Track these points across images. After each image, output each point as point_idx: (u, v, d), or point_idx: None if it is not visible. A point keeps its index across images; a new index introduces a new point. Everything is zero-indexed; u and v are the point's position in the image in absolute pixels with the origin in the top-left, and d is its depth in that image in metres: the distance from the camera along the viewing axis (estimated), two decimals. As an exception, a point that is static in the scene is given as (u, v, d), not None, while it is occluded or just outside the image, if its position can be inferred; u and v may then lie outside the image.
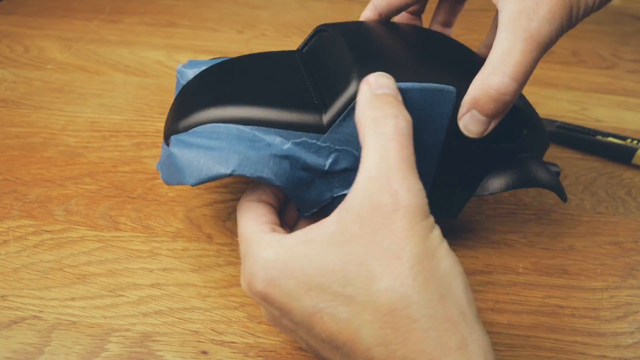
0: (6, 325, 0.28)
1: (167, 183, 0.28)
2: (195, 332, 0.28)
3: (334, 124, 0.27)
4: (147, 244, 0.33)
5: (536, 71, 0.60)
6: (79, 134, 0.43)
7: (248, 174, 0.26)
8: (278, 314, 0.23)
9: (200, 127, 0.27)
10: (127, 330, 0.28)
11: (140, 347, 0.28)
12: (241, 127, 0.27)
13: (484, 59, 0.27)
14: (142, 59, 0.55)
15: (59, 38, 0.59)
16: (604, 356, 0.29)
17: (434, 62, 0.29)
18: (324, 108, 0.27)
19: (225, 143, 0.26)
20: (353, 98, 0.26)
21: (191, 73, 0.33)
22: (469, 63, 0.30)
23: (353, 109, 0.26)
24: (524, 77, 0.26)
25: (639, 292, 0.32)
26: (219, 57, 0.36)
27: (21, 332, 0.28)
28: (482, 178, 0.31)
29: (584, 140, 0.44)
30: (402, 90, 0.26)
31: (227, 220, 0.36)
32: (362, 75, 0.26)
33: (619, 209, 0.39)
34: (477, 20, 0.69)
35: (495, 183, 0.31)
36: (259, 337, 0.28)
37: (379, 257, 0.21)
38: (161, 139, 0.43)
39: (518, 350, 0.29)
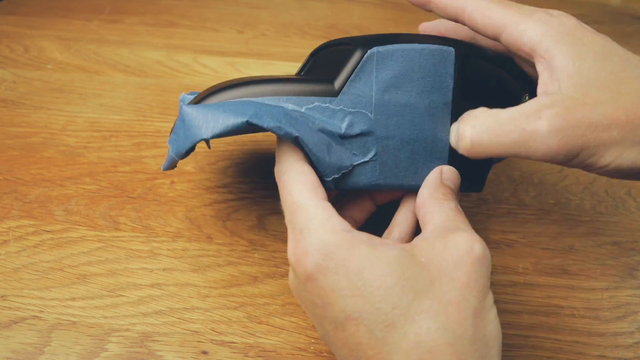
0: (6, 325, 0.28)
1: (179, 152, 0.27)
2: (195, 332, 0.28)
3: (345, 85, 0.27)
4: (147, 244, 0.33)
5: (536, 71, 0.60)
6: (79, 134, 0.43)
7: (265, 124, 0.25)
8: (313, 299, 0.22)
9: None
10: (127, 330, 0.28)
11: (140, 347, 0.28)
12: (255, 98, 0.27)
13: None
14: (142, 59, 0.55)
15: (59, 38, 0.59)
16: (604, 356, 0.29)
17: (430, 37, 0.30)
18: (334, 76, 0.28)
19: (238, 102, 0.26)
20: (359, 59, 0.27)
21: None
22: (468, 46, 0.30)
23: (361, 70, 0.27)
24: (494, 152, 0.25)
25: (639, 292, 0.32)
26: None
27: (21, 332, 0.28)
28: None
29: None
30: (404, 50, 0.27)
31: (227, 220, 0.36)
32: (363, 45, 0.27)
33: (619, 209, 0.39)
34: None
35: None
36: (259, 337, 0.28)
37: (438, 296, 0.21)
38: (162, 139, 0.43)
39: (518, 350, 0.29)
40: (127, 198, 0.37)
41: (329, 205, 0.23)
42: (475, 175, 0.31)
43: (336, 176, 0.28)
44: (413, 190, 0.29)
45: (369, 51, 0.27)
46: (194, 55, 0.56)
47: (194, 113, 0.25)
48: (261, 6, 0.71)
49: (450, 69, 0.28)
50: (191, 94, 0.33)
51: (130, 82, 0.51)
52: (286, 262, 0.33)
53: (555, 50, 0.24)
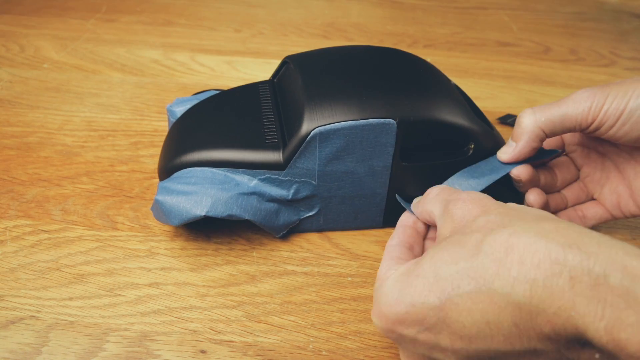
0: (4, 326, 0.28)
1: (158, 220, 0.32)
2: (194, 331, 0.28)
3: (291, 162, 0.31)
4: (145, 243, 0.33)
5: (534, 69, 0.61)
6: (75, 133, 0.43)
7: (219, 214, 0.30)
8: (414, 332, 0.22)
9: (180, 172, 0.32)
10: (125, 329, 0.28)
11: (139, 346, 0.27)
12: (214, 169, 0.31)
13: (439, 80, 0.34)
14: (139, 57, 0.55)
15: (55, 37, 0.58)
16: (604, 353, 0.28)
17: (381, 95, 0.32)
18: (283, 146, 0.31)
19: (199, 187, 0.31)
20: (304, 139, 0.30)
21: (179, 111, 0.37)
22: (422, 90, 0.33)
23: (305, 148, 0.30)
24: None
25: (638, 289, 0.32)
26: (203, 91, 0.40)
27: (19, 332, 0.28)
28: None
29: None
30: (345, 129, 0.30)
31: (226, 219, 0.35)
32: (310, 119, 0.30)
33: (617, 206, 0.39)
34: (475, 19, 0.69)
35: None
36: (258, 336, 0.28)
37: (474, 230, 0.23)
38: (158, 138, 0.43)
39: (517, 348, 0.29)
40: (124, 197, 0.37)
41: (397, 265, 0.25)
42: None
43: (284, 232, 0.34)
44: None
45: (312, 132, 0.30)
46: (191, 54, 0.56)
47: (164, 202, 0.31)
48: (259, 5, 0.70)
49: (392, 139, 0.31)
50: (176, 101, 0.39)
51: (127, 81, 0.51)
52: (284, 261, 0.33)
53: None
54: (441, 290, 0.21)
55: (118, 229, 0.34)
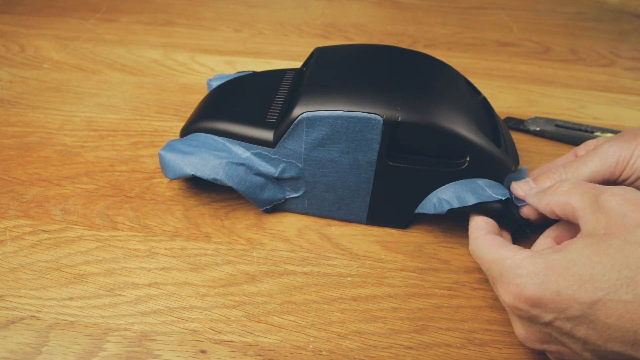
0: (4, 326, 0.28)
1: (166, 176, 0.35)
2: (194, 331, 0.28)
3: (280, 141, 0.33)
4: (145, 243, 0.33)
5: (534, 69, 0.61)
6: (75, 133, 0.43)
7: (205, 176, 0.33)
8: (551, 317, 0.23)
9: (191, 134, 0.36)
10: (125, 329, 0.28)
11: (139, 346, 0.27)
12: (216, 137, 0.35)
13: (451, 79, 0.34)
14: (139, 57, 0.55)
15: (55, 37, 0.58)
16: (603, 353, 0.29)
17: (377, 91, 0.32)
18: (277, 126, 0.33)
19: (197, 150, 0.34)
20: (293, 121, 0.32)
21: (214, 85, 0.42)
22: (426, 94, 0.32)
23: (293, 130, 0.32)
24: None
25: (638, 289, 0.32)
26: (242, 72, 0.43)
27: (19, 332, 0.28)
28: (424, 196, 0.34)
29: (582, 137, 0.44)
30: (331, 117, 0.31)
31: (225, 219, 0.35)
32: (303, 104, 0.32)
33: (617, 206, 0.39)
34: (475, 19, 0.69)
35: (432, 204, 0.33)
36: (258, 335, 0.28)
37: None
38: (158, 138, 0.43)
39: (517, 348, 0.29)
40: (124, 197, 0.37)
41: (514, 248, 0.26)
42: (399, 215, 0.35)
43: (268, 207, 0.35)
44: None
45: (300, 116, 0.31)
46: (191, 54, 0.56)
47: (164, 157, 0.34)
48: (259, 5, 0.70)
49: (377, 135, 0.31)
50: (216, 76, 0.44)
51: (127, 81, 0.51)
52: (284, 261, 0.33)
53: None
54: (594, 290, 0.22)
55: (118, 229, 0.34)
